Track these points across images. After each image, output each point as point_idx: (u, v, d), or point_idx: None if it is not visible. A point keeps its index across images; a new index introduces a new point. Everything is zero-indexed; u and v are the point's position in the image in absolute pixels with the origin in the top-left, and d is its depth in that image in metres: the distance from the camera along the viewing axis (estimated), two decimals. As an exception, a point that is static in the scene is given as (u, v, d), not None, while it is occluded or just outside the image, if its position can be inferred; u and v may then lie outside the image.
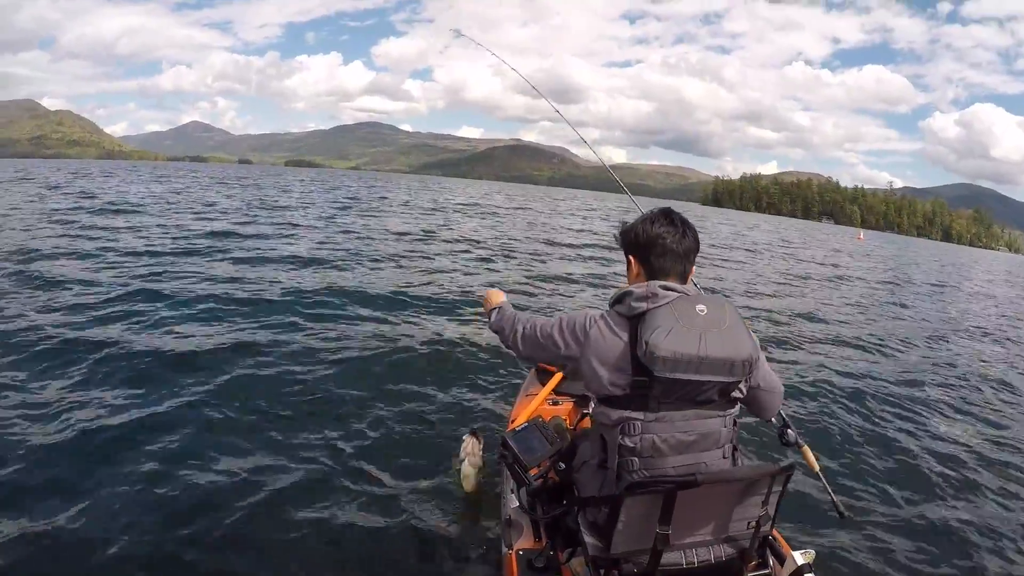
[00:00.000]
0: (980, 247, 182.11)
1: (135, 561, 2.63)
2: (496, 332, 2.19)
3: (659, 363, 1.67)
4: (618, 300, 1.82)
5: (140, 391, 4.32)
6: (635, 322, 1.74)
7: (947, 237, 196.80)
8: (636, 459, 1.75)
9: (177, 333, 5.71)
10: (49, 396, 4.13)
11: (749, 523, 1.79)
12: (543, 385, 3.13)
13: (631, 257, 1.91)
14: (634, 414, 1.73)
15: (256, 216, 17.28)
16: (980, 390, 6.88)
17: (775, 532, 1.96)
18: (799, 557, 1.86)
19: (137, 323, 5.94)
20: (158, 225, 13.53)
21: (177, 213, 16.44)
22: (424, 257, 11.93)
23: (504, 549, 2.26)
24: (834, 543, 3.20)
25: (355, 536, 2.94)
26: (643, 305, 1.75)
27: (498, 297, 2.33)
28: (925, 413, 5.62)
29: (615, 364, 1.74)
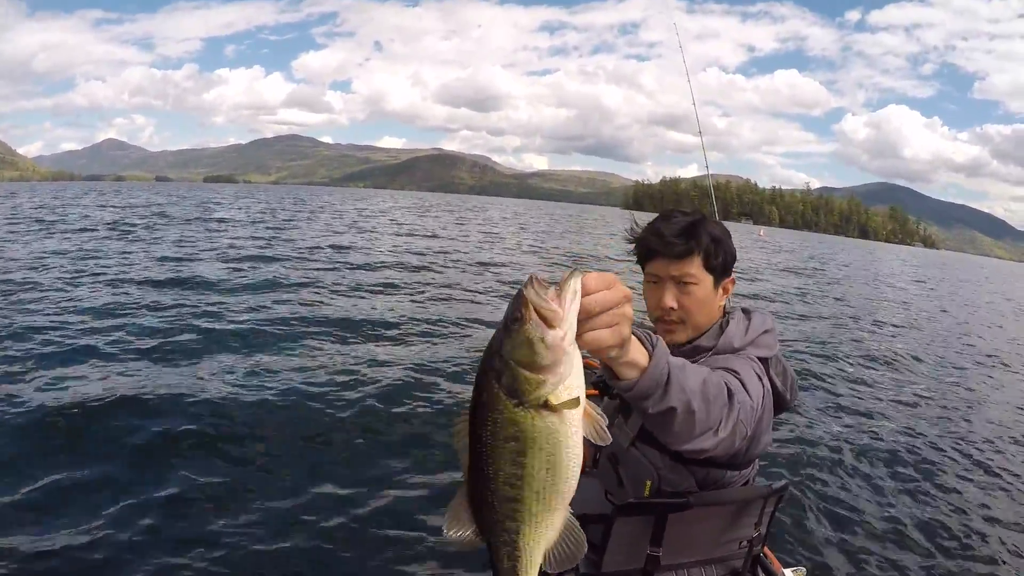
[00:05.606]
0: (896, 243, 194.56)
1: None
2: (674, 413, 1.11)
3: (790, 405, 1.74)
4: (751, 340, 1.64)
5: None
6: (766, 363, 1.65)
7: (864, 234, 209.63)
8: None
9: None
10: None
11: (741, 543, 1.78)
12: None
13: (730, 279, 1.74)
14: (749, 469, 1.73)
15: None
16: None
17: (766, 550, 1.94)
18: (791, 575, 1.85)
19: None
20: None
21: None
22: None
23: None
24: (825, 561, 3.23)
25: (343, 531, 3.07)
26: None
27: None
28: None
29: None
